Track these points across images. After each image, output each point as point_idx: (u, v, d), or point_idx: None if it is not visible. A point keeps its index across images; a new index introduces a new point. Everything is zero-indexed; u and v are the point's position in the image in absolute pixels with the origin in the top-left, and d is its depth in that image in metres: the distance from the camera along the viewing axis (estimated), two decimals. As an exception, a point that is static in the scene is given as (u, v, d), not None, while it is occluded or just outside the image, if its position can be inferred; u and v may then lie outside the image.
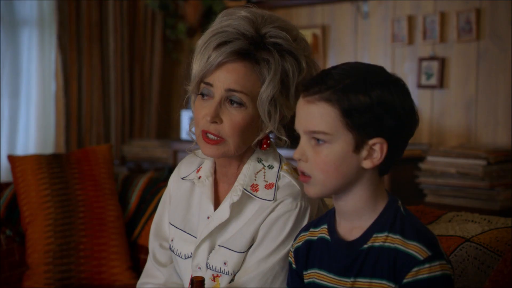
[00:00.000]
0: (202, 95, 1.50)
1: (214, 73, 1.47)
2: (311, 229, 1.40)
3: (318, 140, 1.26)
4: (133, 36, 4.83)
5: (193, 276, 1.37)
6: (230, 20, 1.49)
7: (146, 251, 2.45)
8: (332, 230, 1.34)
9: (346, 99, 1.23)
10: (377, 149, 1.24)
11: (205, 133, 1.49)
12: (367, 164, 1.25)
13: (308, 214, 1.48)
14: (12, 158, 2.54)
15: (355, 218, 1.30)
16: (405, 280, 1.22)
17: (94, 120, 4.67)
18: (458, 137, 3.55)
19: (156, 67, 4.93)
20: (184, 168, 1.68)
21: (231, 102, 1.47)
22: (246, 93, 1.46)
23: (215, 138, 1.48)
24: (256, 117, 1.49)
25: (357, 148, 1.24)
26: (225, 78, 1.46)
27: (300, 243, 1.40)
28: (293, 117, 1.43)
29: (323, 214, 1.42)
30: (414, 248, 1.23)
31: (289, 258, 1.43)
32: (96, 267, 2.38)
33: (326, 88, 1.24)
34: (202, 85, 1.50)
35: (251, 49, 1.46)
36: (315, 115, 1.25)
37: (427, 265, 1.21)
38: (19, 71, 4.38)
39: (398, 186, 3.27)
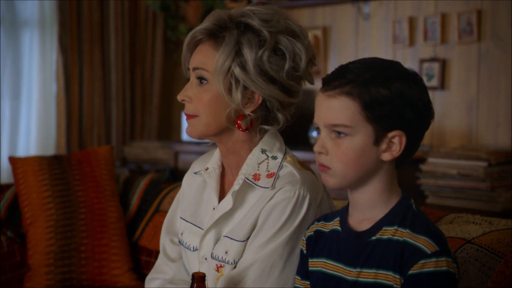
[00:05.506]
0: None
1: (191, 58, 1.58)
2: (322, 222, 1.42)
3: (339, 133, 1.29)
4: (134, 37, 4.83)
5: (194, 272, 1.39)
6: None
7: (147, 252, 2.46)
8: (344, 221, 1.37)
9: (367, 92, 1.26)
10: (396, 141, 1.28)
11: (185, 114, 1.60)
12: (386, 156, 1.29)
13: (306, 202, 1.49)
14: (13, 160, 2.54)
15: (367, 210, 1.33)
16: (410, 272, 1.23)
17: (95, 121, 4.67)
18: (459, 139, 3.55)
19: (157, 68, 4.93)
20: (197, 165, 1.73)
21: (201, 81, 1.55)
22: (206, 69, 1.53)
23: (189, 114, 1.57)
24: (222, 94, 1.53)
25: (377, 140, 1.28)
26: (194, 59, 1.56)
27: (312, 232, 1.43)
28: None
29: (337, 210, 1.44)
30: (423, 242, 1.24)
31: (301, 246, 1.46)
32: (97, 268, 2.38)
33: (346, 82, 1.28)
34: (189, 71, 1.60)
35: (216, 29, 1.53)
36: (336, 108, 1.28)
37: (433, 259, 1.22)
38: (20, 72, 4.38)
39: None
